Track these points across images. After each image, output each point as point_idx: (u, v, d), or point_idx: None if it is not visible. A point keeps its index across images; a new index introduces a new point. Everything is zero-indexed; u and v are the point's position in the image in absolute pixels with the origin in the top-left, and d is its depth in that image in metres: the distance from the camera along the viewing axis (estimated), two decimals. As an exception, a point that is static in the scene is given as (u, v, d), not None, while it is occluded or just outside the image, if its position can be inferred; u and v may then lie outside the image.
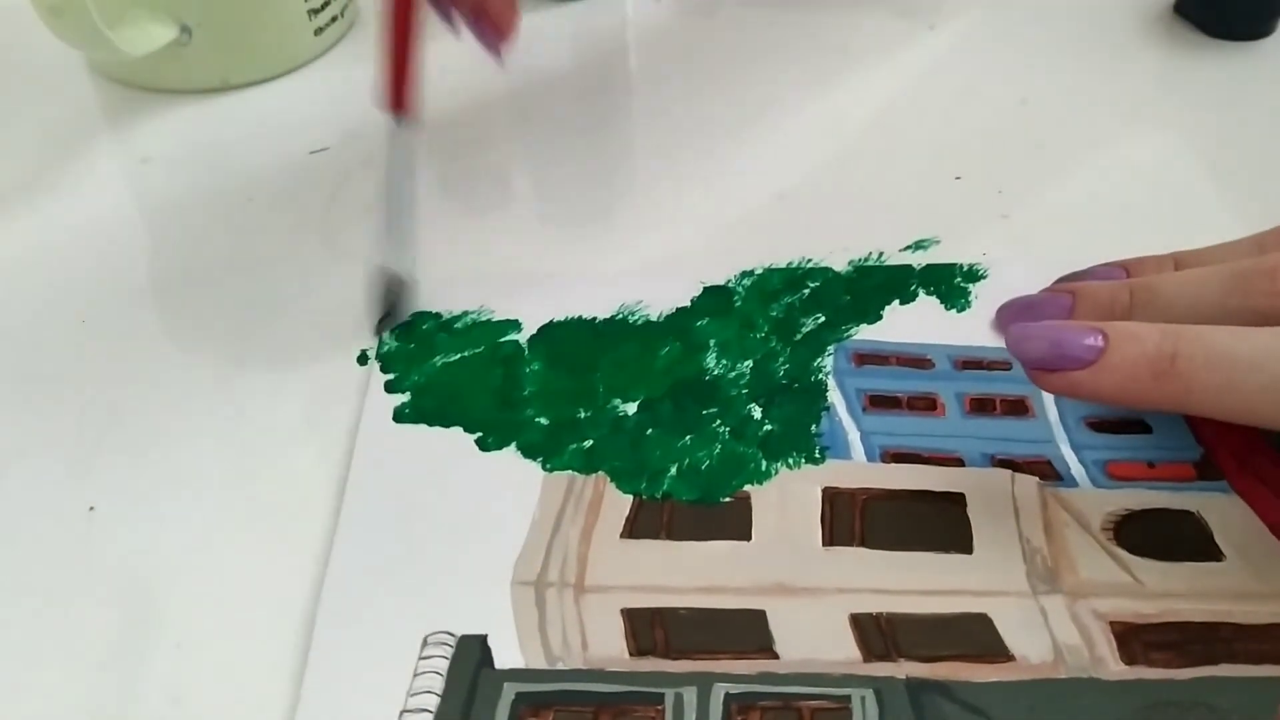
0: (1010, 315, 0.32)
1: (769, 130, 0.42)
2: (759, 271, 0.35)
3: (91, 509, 0.29)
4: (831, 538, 0.28)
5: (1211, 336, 0.26)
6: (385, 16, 0.31)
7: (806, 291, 0.34)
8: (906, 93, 0.44)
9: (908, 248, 0.36)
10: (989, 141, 0.41)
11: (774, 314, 0.33)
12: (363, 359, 0.33)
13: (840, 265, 0.35)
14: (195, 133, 0.43)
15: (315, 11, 0.45)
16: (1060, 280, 0.33)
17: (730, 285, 0.34)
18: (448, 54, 0.47)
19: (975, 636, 0.25)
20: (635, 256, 0.36)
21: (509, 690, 0.25)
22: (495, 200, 0.39)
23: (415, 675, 0.25)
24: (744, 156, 0.41)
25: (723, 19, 0.49)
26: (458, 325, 0.33)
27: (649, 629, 0.26)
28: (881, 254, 0.36)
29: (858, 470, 0.29)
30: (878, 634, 0.26)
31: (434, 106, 0.44)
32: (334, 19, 0.46)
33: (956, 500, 0.28)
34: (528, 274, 0.35)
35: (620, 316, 0.33)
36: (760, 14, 0.48)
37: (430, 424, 0.31)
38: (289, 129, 0.43)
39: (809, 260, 0.35)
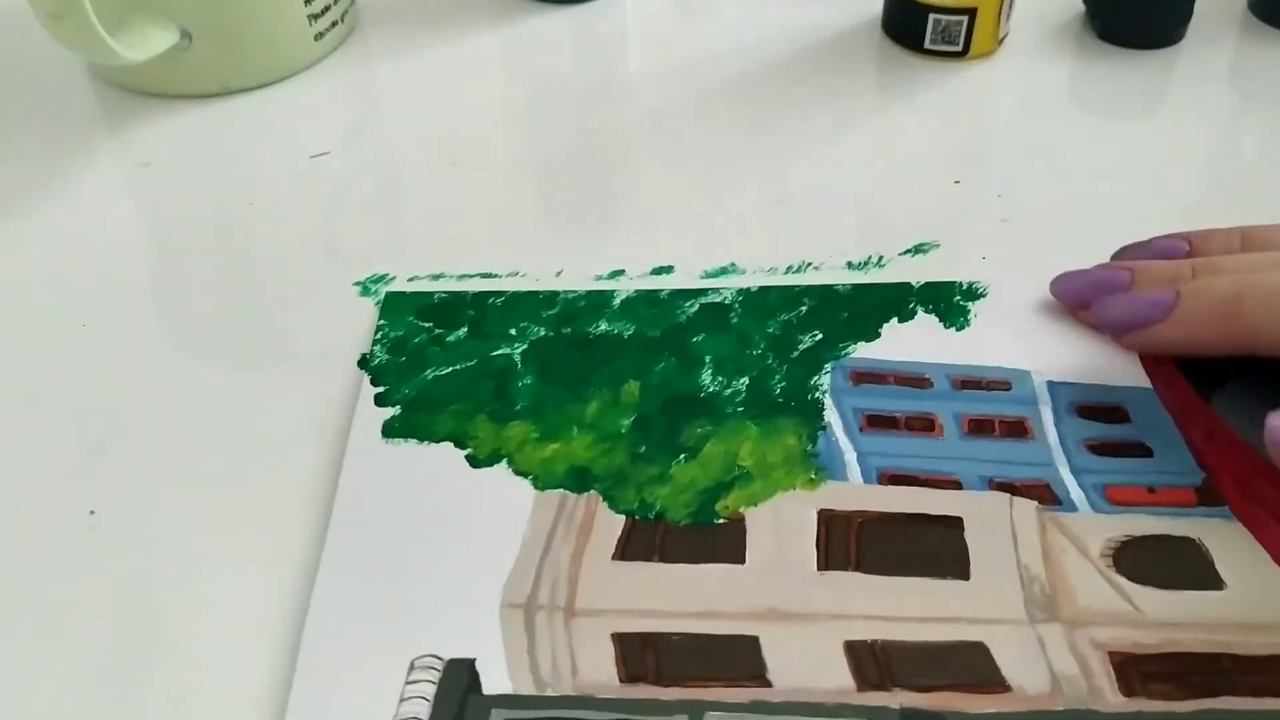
0: (1067, 286, 0.33)
1: (769, 134, 0.42)
2: (755, 288, 0.34)
3: (92, 513, 0.29)
4: (827, 562, 0.27)
5: (1273, 277, 0.29)
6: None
7: (804, 308, 0.33)
8: (905, 96, 0.43)
9: (907, 251, 0.36)
10: (987, 146, 0.41)
11: (771, 330, 0.33)
12: (363, 363, 0.32)
13: (839, 269, 0.35)
14: (196, 137, 0.43)
15: (315, 16, 0.45)
16: (1119, 252, 0.34)
17: (727, 302, 0.34)
18: (448, 58, 0.47)
19: (971, 665, 0.25)
20: (634, 259, 0.36)
21: (497, 716, 0.24)
22: (496, 202, 0.39)
23: (402, 700, 0.24)
24: (744, 160, 0.40)
25: (723, 23, 0.48)
26: (450, 338, 0.33)
27: (640, 655, 0.25)
28: (881, 258, 0.35)
29: (854, 492, 0.29)
30: (872, 662, 0.25)
31: (436, 109, 0.44)
32: (334, 24, 0.46)
33: (954, 524, 0.28)
34: (526, 276, 0.35)
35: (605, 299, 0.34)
36: (760, 18, 0.48)
37: (420, 439, 0.30)
38: (290, 133, 0.43)
39: (809, 264, 0.35)
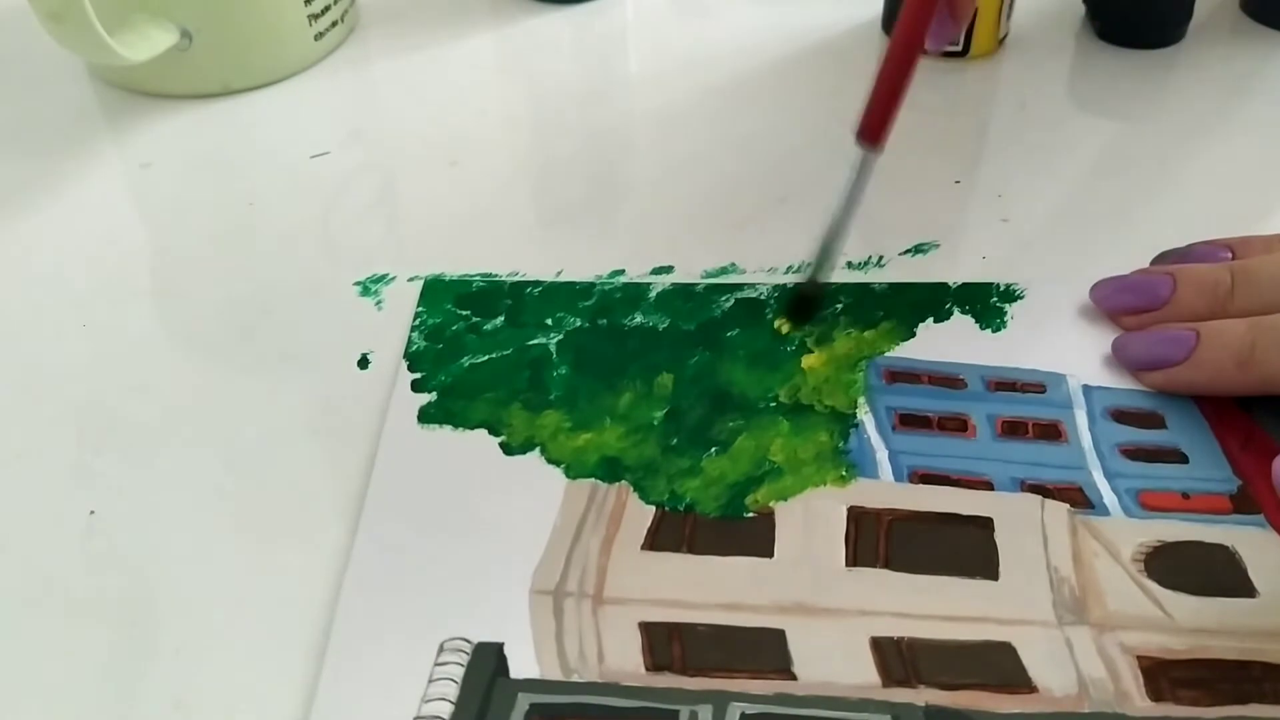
0: (1108, 293, 0.33)
1: (769, 134, 0.42)
2: (792, 285, 0.34)
3: (92, 513, 0.29)
4: (855, 558, 0.27)
5: None
6: (891, 56, 0.31)
7: (840, 306, 0.33)
8: (905, 96, 0.43)
9: (907, 251, 0.36)
10: (987, 146, 0.40)
11: (806, 327, 0.33)
12: (363, 363, 0.33)
13: (839, 269, 0.35)
14: (196, 137, 0.43)
15: (315, 17, 0.45)
16: (1160, 257, 0.34)
17: (762, 297, 0.34)
18: (448, 58, 0.47)
19: (998, 665, 0.25)
20: (634, 259, 0.36)
21: (523, 701, 0.24)
22: (496, 202, 0.39)
23: (430, 681, 0.25)
24: (744, 160, 0.40)
25: (722, 23, 0.48)
26: (487, 327, 0.33)
27: (666, 644, 0.25)
28: (881, 258, 0.35)
29: (885, 490, 0.29)
30: (898, 659, 0.25)
31: (436, 109, 0.44)
32: (334, 24, 0.46)
33: (984, 525, 0.28)
34: (526, 276, 0.35)
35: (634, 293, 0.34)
36: (760, 18, 0.48)
37: (455, 425, 0.30)
38: (290, 133, 0.43)
39: (809, 264, 0.35)
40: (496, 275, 0.35)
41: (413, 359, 0.32)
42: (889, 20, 0.46)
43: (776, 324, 0.33)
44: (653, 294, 0.34)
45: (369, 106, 0.45)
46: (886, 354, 0.32)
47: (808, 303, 0.33)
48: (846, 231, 0.32)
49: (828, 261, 0.33)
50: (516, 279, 0.35)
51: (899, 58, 0.31)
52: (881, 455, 0.29)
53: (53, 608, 0.27)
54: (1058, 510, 0.28)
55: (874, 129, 0.31)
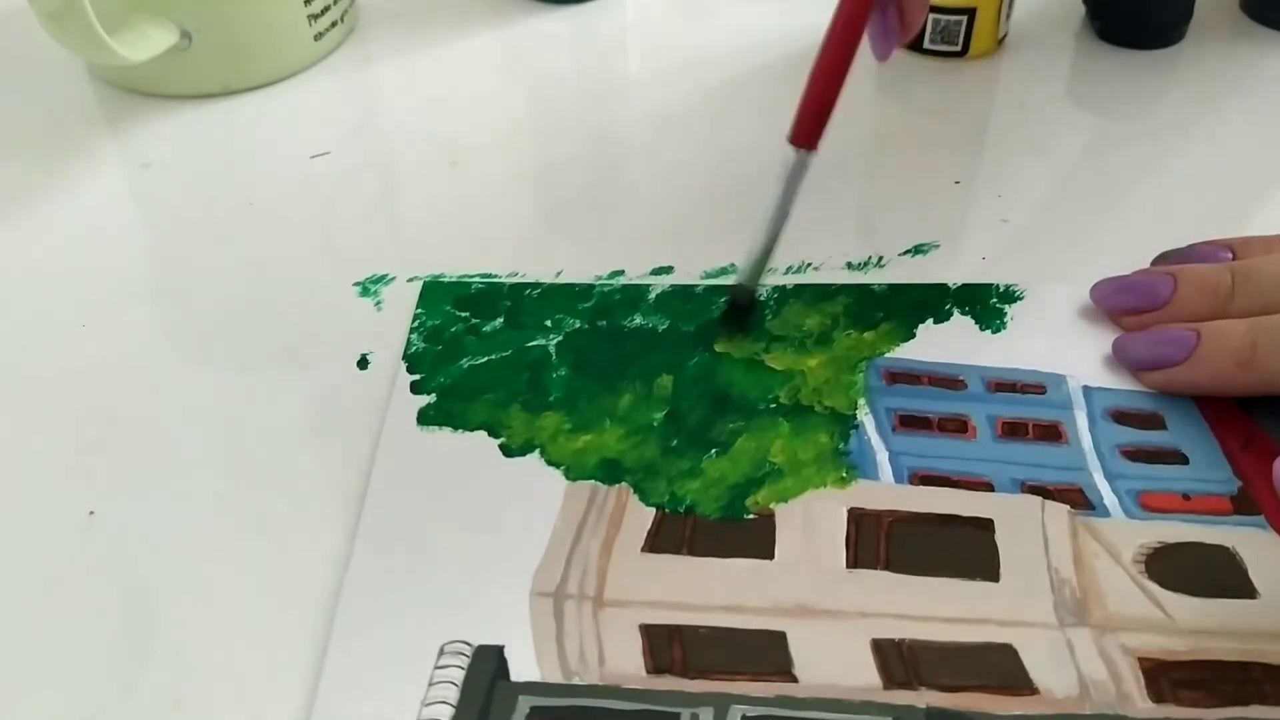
0: (1108, 293, 0.33)
1: (768, 134, 0.41)
2: (791, 286, 0.34)
3: (91, 513, 0.29)
4: (855, 560, 0.27)
5: None
6: (823, 59, 0.31)
7: (840, 307, 0.33)
8: (905, 96, 0.43)
9: (907, 252, 0.36)
10: (987, 146, 0.40)
11: (806, 328, 0.33)
12: (363, 363, 0.33)
13: (839, 269, 0.35)
14: (196, 137, 0.43)
15: (315, 17, 0.45)
16: (1160, 257, 0.34)
17: (762, 299, 0.34)
18: (448, 58, 0.47)
19: (999, 667, 0.25)
20: (634, 259, 0.36)
21: (524, 704, 0.24)
22: (496, 202, 0.39)
23: (430, 685, 0.25)
24: (743, 160, 0.40)
25: (722, 23, 0.48)
26: (486, 328, 0.33)
27: (667, 646, 0.25)
28: (881, 258, 0.35)
29: (885, 492, 0.29)
30: (899, 660, 0.25)
31: (436, 109, 0.44)
32: (334, 24, 0.46)
33: (984, 526, 0.28)
34: (525, 276, 0.35)
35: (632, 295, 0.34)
36: (760, 18, 0.48)
37: (455, 427, 0.30)
38: (289, 133, 0.43)
39: (809, 264, 0.35)
40: (496, 276, 0.35)
41: (412, 360, 0.32)
42: None
43: (717, 345, 0.32)
44: (652, 295, 0.34)
45: (369, 106, 0.45)
46: (886, 355, 0.32)
47: (740, 311, 0.33)
48: (780, 236, 0.32)
49: (761, 267, 0.32)
50: (516, 280, 0.35)
51: (832, 57, 0.31)
52: (882, 456, 0.29)
53: (53, 608, 0.27)
54: (1058, 511, 0.28)
55: (807, 130, 0.31)
